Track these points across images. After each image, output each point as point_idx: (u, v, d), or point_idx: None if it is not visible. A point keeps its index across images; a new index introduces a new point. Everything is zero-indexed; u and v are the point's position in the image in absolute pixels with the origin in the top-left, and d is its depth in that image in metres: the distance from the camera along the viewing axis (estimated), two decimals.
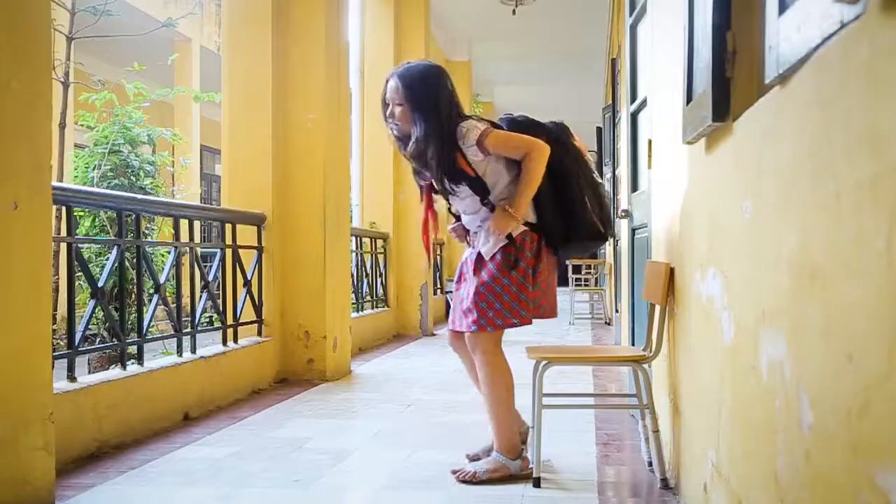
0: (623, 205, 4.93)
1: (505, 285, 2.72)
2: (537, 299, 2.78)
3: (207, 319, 5.20)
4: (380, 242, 7.88)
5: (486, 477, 2.73)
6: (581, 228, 2.81)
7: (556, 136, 2.86)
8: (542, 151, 2.70)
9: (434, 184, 2.84)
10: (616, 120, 6.68)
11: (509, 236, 2.73)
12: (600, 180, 2.95)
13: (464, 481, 2.73)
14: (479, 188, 2.77)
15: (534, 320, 2.81)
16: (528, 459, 2.78)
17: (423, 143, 2.77)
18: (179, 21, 7.76)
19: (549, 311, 2.89)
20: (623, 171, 5.02)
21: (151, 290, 3.91)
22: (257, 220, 4.85)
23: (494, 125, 2.83)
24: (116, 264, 3.59)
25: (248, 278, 4.77)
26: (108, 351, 5.07)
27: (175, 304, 4.06)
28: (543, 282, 2.82)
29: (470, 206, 2.83)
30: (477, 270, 2.78)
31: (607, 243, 2.77)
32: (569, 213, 2.80)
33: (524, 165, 2.70)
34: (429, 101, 2.77)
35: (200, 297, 4.54)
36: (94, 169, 6.12)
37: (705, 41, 1.75)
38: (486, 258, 2.76)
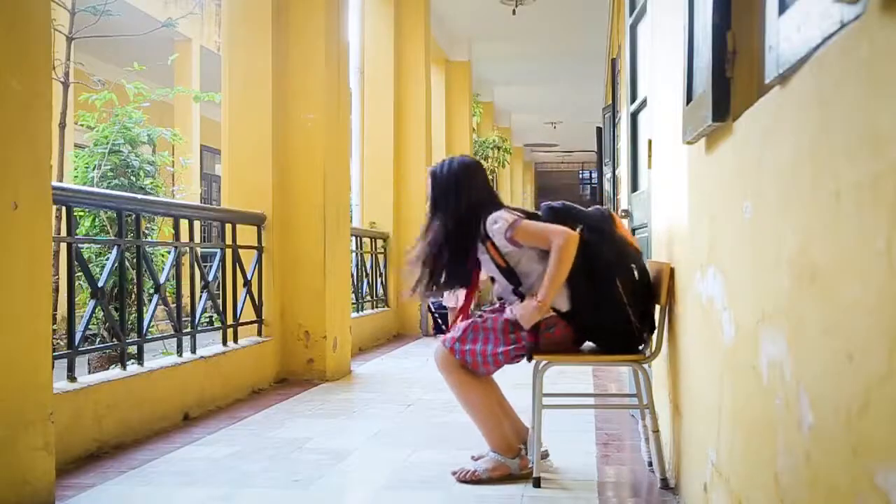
0: (623, 205, 4.93)
1: (494, 331, 2.71)
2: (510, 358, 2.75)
3: (207, 319, 5.20)
4: (380, 242, 7.88)
5: (486, 476, 2.73)
6: (613, 323, 2.70)
7: (594, 224, 2.75)
8: (567, 241, 2.62)
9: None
10: (616, 120, 6.68)
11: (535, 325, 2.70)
12: (647, 272, 2.80)
13: (464, 481, 2.73)
14: (511, 278, 2.76)
15: None
16: (528, 459, 2.78)
17: (438, 238, 2.82)
18: (179, 21, 7.76)
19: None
20: (623, 171, 5.02)
21: (151, 290, 3.91)
22: (257, 220, 4.85)
23: (532, 215, 2.80)
24: (116, 264, 3.59)
25: (248, 278, 4.76)
26: (108, 351, 5.07)
27: (175, 304, 4.07)
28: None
29: (505, 292, 2.84)
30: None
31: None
32: (603, 306, 2.68)
33: (550, 256, 2.64)
34: (448, 192, 2.83)
35: (200, 297, 4.54)
36: (94, 169, 6.11)
37: (705, 41, 1.75)
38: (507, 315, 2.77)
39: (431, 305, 7.80)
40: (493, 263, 2.77)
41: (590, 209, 2.85)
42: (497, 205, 2.84)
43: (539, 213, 2.86)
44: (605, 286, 2.67)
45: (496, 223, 2.72)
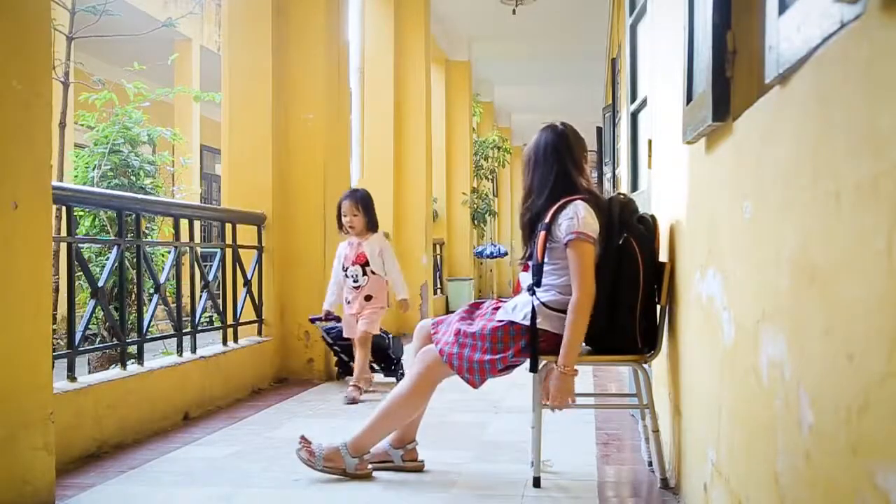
0: None
1: (482, 338, 2.66)
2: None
3: (207, 319, 5.20)
4: None
5: (320, 466, 2.76)
6: (614, 338, 2.66)
7: (641, 236, 2.66)
8: (582, 305, 2.55)
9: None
10: (616, 120, 6.68)
11: (534, 326, 2.62)
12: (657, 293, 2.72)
13: (300, 456, 2.77)
14: (537, 275, 2.69)
15: None
16: (367, 463, 2.81)
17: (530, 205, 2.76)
18: (179, 21, 7.75)
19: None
20: (623, 171, 5.02)
21: (151, 290, 3.91)
22: (257, 220, 4.85)
23: (600, 202, 2.69)
24: (116, 264, 3.59)
25: (248, 278, 4.76)
26: (108, 351, 5.07)
27: (175, 304, 4.07)
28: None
29: (524, 279, 2.81)
30: (492, 315, 2.77)
31: None
32: (613, 328, 2.64)
33: (567, 312, 2.58)
34: (533, 176, 2.77)
35: (200, 296, 4.54)
36: (94, 169, 6.11)
37: (705, 41, 1.75)
38: (507, 314, 2.71)
39: (326, 335, 4.79)
40: (534, 249, 2.72)
41: (646, 214, 2.76)
42: (583, 189, 2.72)
43: (622, 196, 2.81)
44: (623, 307, 2.63)
45: (571, 218, 2.62)
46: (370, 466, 2.82)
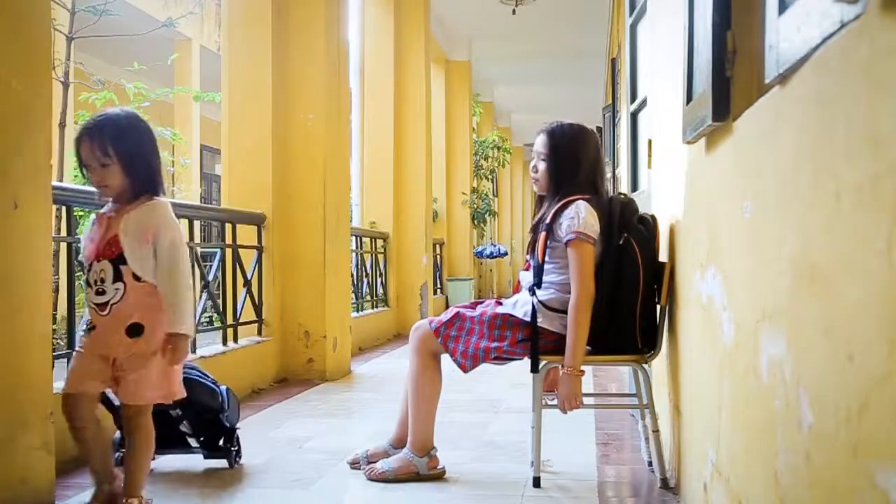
0: None
1: (480, 324, 2.66)
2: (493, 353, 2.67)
3: (207, 319, 5.20)
4: (380, 242, 7.88)
5: (392, 476, 2.74)
6: (615, 337, 2.66)
7: (643, 238, 2.64)
8: (581, 306, 2.55)
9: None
10: (616, 120, 6.69)
11: (534, 324, 2.62)
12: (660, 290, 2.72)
13: (373, 479, 2.75)
14: (537, 275, 2.69)
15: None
16: (438, 459, 2.78)
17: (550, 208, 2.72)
18: (179, 21, 7.75)
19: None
20: (623, 171, 5.03)
21: None
22: (257, 220, 4.85)
23: (599, 203, 2.68)
24: None
25: (248, 278, 4.76)
26: None
27: None
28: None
29: (524, 277, 2.81)
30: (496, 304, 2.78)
31: None
32: (613, 327, 2.64)
33: (568, 313, 2.58)
34: (571, 164, 2.73)
35: (200, 297, 4.53)
36: None
37: (705, 41, 1.76)
38: (508, 308, 2.72)
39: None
40: (535, 249, 2.71)
41: (645, 214, 2.76)
42: (595, 189, 2.72)
43: (623, 196, 2.80)
44: (623, 307, 2.63)
45: (572, 218, 2.61)
46: (440, 466, 2.78)
